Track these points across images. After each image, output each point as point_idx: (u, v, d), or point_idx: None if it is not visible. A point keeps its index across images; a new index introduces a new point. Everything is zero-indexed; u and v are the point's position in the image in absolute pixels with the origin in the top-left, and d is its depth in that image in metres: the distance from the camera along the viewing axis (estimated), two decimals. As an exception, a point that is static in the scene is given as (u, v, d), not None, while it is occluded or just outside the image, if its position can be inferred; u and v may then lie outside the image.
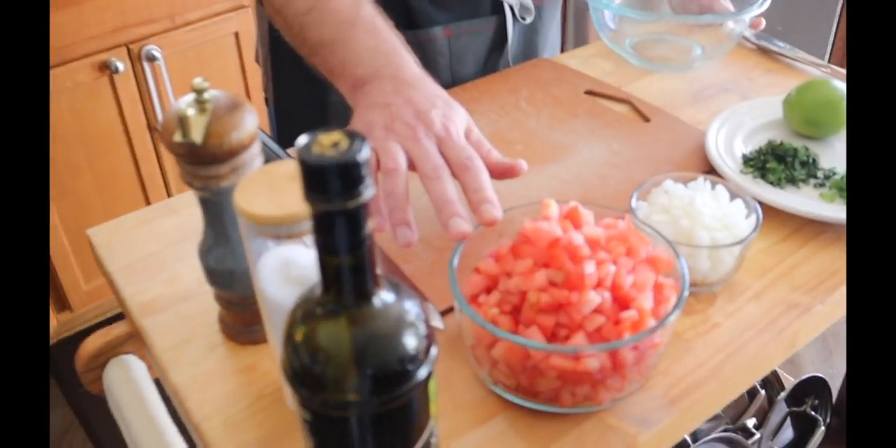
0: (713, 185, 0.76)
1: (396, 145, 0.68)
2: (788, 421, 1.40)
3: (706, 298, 0.74)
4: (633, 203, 0.74)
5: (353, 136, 0.39)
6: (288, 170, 0.51)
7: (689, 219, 0.72)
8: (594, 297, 0.58)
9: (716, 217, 0.72)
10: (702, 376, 0.67)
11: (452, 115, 0.72)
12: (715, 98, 1.03)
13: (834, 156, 0.90)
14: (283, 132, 1.16)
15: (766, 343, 0.70)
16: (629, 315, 0.59)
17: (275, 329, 0.56)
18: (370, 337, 0.44)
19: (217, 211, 0.58)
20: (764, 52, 1.13)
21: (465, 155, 0.68)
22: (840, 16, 2.16)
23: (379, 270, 0.45)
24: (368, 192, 0.40)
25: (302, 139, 0.39)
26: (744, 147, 0.90)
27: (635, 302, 0.60)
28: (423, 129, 0.69)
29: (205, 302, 0.71)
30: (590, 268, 0.58)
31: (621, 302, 0.60)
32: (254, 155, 0.57)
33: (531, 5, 1.08)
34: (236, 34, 1.84)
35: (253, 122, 0.56)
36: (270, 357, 0.66)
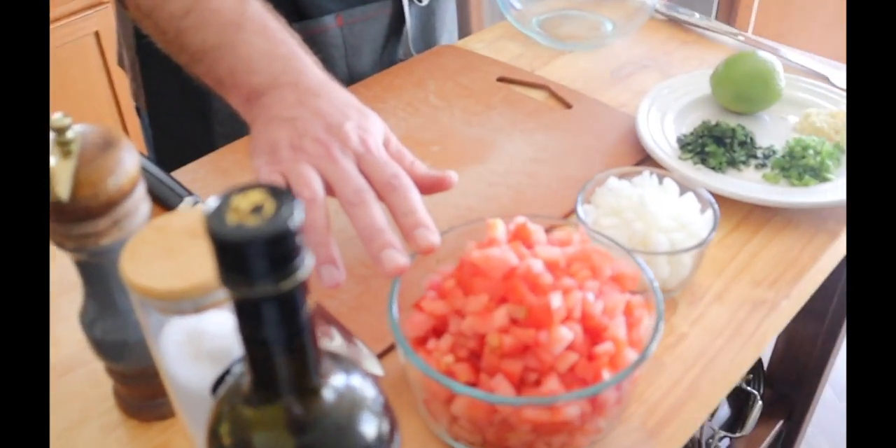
0: (660, 178, 0.69)
1: (309, 168, 0.58)
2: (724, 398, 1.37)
3: (667, 306, 0.67)
4: (580, 210, 0.66)
5: (281, 195, 0.29)
6: (187, 223, 0.40)
7: (643, 222, 0.64)
8: (565, 334, 0.50)
9: (671, 217, 0.65)
10: (678, 398, 0.60)
11: (368, 125, 0.62)
12: (634, 76, 0.96)
13: (767, 132, 0.85)
14: (161, 145, 1.03)
15: (738, 350, 0.64)
16: (605, 349, 0.51)
17: (188, 414, 0.45)
18: (319, 440, 0.35)
19: (99, 275, 0.46)
20: (675, 23, 1.06)
21: (390, 172, 0.58)
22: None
23: (322, 345, 0.35)
24: (307, 264, 0.30)
25: (211, 203, 0.29)
26: (676, 129, 0.84)
27: (608, 331, 0.52)
28: (338, 145, 0.59)
29: (95, 371, 0.59)
30: (556, 300, 0.50)
31: (592, 333, 0.52)
32: (138, 201, 0.45)
33: None
34: (97, 34, 1.68)
35: (133, 161, 0.44)
36: (184, 433, 0.55)
